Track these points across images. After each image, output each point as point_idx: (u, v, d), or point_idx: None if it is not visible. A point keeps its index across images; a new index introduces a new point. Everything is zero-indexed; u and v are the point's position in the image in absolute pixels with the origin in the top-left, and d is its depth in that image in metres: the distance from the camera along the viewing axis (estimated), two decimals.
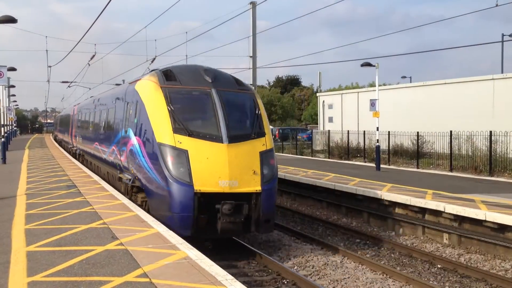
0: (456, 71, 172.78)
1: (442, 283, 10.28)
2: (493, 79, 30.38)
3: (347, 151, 31.78)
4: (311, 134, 40.62)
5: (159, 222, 9.87)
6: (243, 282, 7.35)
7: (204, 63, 18.59)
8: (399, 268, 11.17)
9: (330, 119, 46.61)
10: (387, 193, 14.96)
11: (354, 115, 42.16)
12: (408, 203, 14.09)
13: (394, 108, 35.52)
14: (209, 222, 10.57)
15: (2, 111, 30.84)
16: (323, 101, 48.06)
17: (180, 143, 10.77)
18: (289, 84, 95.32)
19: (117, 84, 37.99)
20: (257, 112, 11.93)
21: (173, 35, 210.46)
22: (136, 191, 12.93)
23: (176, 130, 10.92)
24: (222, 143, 10.80)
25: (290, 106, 78.48)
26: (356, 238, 13.92)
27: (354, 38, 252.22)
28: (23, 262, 7.15)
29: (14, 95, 57.70)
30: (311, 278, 10.27)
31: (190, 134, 10.89)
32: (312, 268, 10.92)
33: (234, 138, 10.96)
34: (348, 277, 10.38)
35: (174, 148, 10.74)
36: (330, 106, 46.80)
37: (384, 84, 59.58)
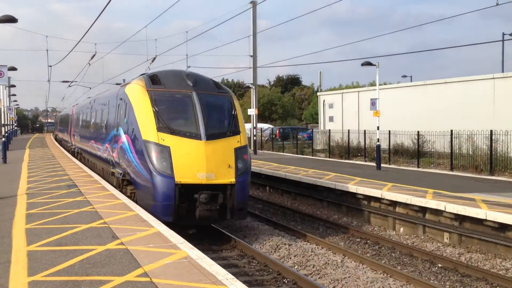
0: (456, 70, 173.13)
1: (442, 283, 10.28)
2: (493, 78, 30.35)
3: (348, 151, 31.77)
4: (311, 134, 40.62)
5: (159, 222, 9.99)
6: (244, 282, 7.36)
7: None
8: (400, 268, 11.18)
9: (331, 119, 46.57)
10: (387, 192, 14.97)
11: (355, 115, 42.13)
12: (408, 202, 14.10)
13: (394, 107, 35.52)
14: (189, 210, 11.73)
15: (2, 110, 30.81)
16: (324, 101, 48.02)
17: (163, 140, 11.98)
18: (290, 83, 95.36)
19: (117, 84, 38.11)
20: (233, 113, 13.18)
21: (173, 34, 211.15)
22: (126, 184, 14.07)
23: (160, 129, 12.14)
24: (201, 140, 12.01)
25: (290, 105, 78.41)
26: (357, 238, 13.92)
27: (354, 37, 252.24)
28: (23, 262, 7.16)
29: (14, 95, 57.56)
30: (311, 277, 10.27)
31: (172, 132, 12.12)
32: (313, 268, 10.93)
33: (211, 136, 12.18)
34: (349, 276, 10.38)
35: (158, 144, 11.97)
36: (331, 106, 46.77)
37: (385, 84, 59.59)
